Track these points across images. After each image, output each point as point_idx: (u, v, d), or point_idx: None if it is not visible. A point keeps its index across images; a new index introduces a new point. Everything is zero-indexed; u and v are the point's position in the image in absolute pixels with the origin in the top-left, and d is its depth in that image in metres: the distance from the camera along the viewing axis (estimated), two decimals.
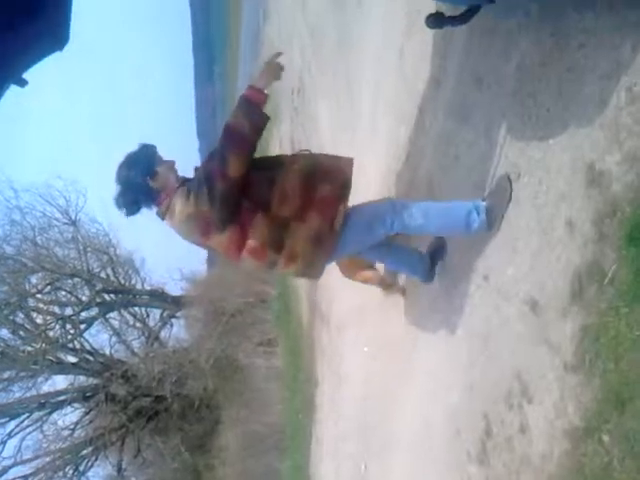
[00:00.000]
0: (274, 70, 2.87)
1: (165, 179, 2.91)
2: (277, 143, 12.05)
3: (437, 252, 3.68)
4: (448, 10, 2.89)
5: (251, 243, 2.89)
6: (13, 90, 2.66)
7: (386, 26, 5.64)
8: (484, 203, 3.04)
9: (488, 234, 3.10)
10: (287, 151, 10.89)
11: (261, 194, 2.84)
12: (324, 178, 2.93)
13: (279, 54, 2.94)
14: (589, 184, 2.40)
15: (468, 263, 3.34)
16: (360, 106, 6.15)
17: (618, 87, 2.27)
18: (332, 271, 3.87)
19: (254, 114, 2.75)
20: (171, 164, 2.97)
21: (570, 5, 2.53)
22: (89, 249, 16.51)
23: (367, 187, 5.03)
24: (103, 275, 16.99)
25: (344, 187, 2.98)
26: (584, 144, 2.45)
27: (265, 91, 2.81)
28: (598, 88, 2.38)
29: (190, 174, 3.00)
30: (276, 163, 2.99)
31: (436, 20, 2.80)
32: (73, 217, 16.57)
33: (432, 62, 4.17)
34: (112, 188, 2.96)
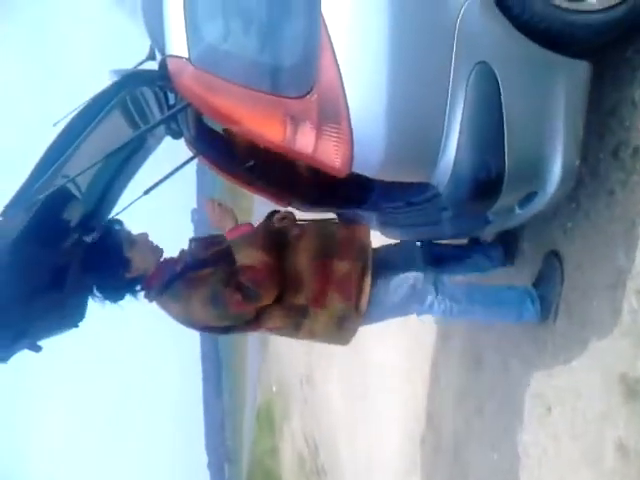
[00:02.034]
0: (219, 213, 2.55)
1: (143, 262, 2.53)
2: (289, 440, 11.57)
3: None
4: None
5: (264, 328, 2.57)
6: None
7: None
8: None
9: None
10: (301, 449, 10.40)
11: None
12: (339, 253, 2.54)
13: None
14: (629, 396, 2.24)
15: None
16: (371, 378, 6.07)
17: (626, 293, 2.27)
18: None
19: (255, 240, 2.47)
20: (143, 240, 2.56)
21: (558, 230, 2.69)
22: None
23: (389, 456, 4.68)
24: None
25: (364, 258, 2.56)
26: (610, 357, 2.36)
27: (232, 224, 2.51)
28: (607, 299, 2.38)
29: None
30: (280, 243, 2.58)
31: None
32: None
33: (438, 318, 4.23)
34: None
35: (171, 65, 2.19)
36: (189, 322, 2.55)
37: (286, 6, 2.04)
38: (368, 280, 2.53)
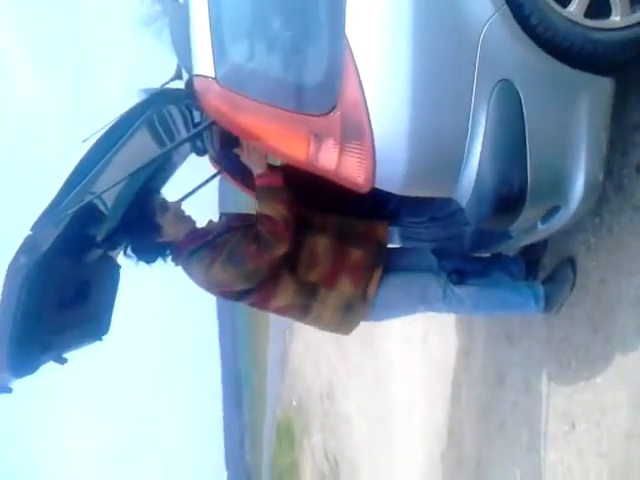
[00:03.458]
0: (254, 151, 2.62)
1: (173, 229, 2.64)
2: (309, 455, 11.50)
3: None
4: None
5: (275, 304, 2.66)
6: None
7: (406, 319, 5.89)
8: None
9: None
10: (321, 465, 10.35)
11: (289, 255, 2.57)
12: (357, 242, 2.65)
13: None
14: None
15: None
16: (392, 395, 6.04)
17: None
18: None
19: (280, 195, 2.55)
20: (175, 209, 2.69)
21: (581, 244, 2.68)
22: None
23: (410, 472, 4.65)
24: None
25: (378, 252, 2.68)
26: (635, 374, 2.34)
27: (262, 164, 2.60)
28: (632, 315, 2.36)
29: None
30: (305, 223, 2.68)
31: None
32: None
33: (458, 335, 4.23)
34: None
35: (197, 84, 2.24)
36: (209, 285, 2.65)
37: (310, 26, 2.08)
38: (379, 272, 2.64)
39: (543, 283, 2.81)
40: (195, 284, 2.68)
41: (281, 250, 2.50)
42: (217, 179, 3.42)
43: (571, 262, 2.75)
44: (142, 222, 2.62)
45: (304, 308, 2.66)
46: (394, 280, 2.69)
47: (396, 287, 2.70)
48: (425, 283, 2.74)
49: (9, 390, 2.51)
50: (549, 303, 2.77)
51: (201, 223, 2.76)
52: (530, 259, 3.00)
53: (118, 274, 3.05)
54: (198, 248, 2.57)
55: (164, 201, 2.71)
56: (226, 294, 2.70)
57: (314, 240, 2.63)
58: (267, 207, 2.53)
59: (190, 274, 2.65)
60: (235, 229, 2.60)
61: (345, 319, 2.69)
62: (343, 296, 2.61)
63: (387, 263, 2.69)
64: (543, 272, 2.95)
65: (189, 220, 2.71)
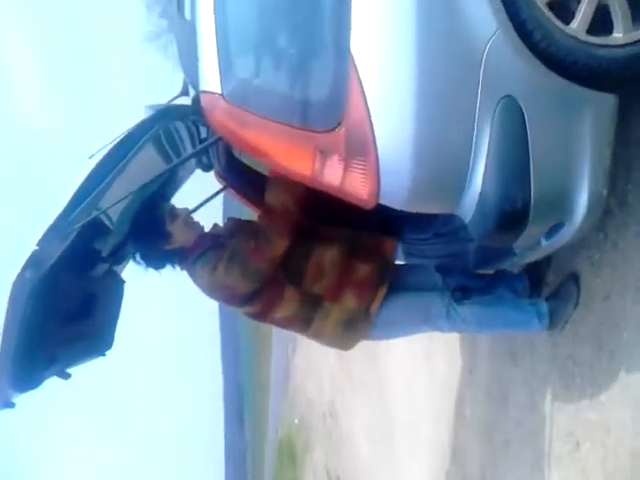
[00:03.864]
0: None
1: (182, 236, 2.65)
2: (310, 473, 11.40)
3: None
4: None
5: (277, 315, 2.65)
6: None
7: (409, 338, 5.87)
8: None
9: None
10: None
11: (295, 266, 2.59)
12: (365, 258, 2.65)
13: None
14: None
15: None
16: (395, 413, 6.00)
17: None
18: None
19: (290, 187, 2.53)
20: (184, 216, 2.69)
21: (585, 261, 2.68)
22: None
23: None
24: None
25: (385, 270, 2.68)
26: None
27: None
28: (638, 332, 2.35)
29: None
30: (313, 235, 2.70)
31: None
32: None
33: (461, 353, 4.21)
34: None
35: (204, 100, 2.27)
36: (212, 290, 2.65)
37: (315, 43, 2.10)
38: (383, 289, 2.64)
39: (547, 300, 2.80)
40: (200, 289, 2.68)
41: (279, 246, 2.51)
42: (222, 194, 3.44)
43: (575, 278, 2.73)
44: (152, 230, 2.63)
45: (306, 320, 2.65)
46: (397, 299, 2.70)
47: (399, 306, 2.70)
48: (429, 302, 2.74)
49: (12, 405, 2.51)
50: (553, 320, 2.75)
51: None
52: (534, 276, 2.99)
53: (122, 289, 3.06)
54: (203, 252, 2.59)
55: (173, 208, 2.73)
56: (229, 299, 2.69)
57: (322, 252, 2.63)
58: (275, 197, 2.56)
59: (195, 279, 2.66)
60: (238, 233, 2.62)
61: (345, 334, 2.70)
62: (345, 310, 2.61)
63: (392, 281, 2.69)
64: (547, 289, 2.95)
65: (198, 226, 2.72)
